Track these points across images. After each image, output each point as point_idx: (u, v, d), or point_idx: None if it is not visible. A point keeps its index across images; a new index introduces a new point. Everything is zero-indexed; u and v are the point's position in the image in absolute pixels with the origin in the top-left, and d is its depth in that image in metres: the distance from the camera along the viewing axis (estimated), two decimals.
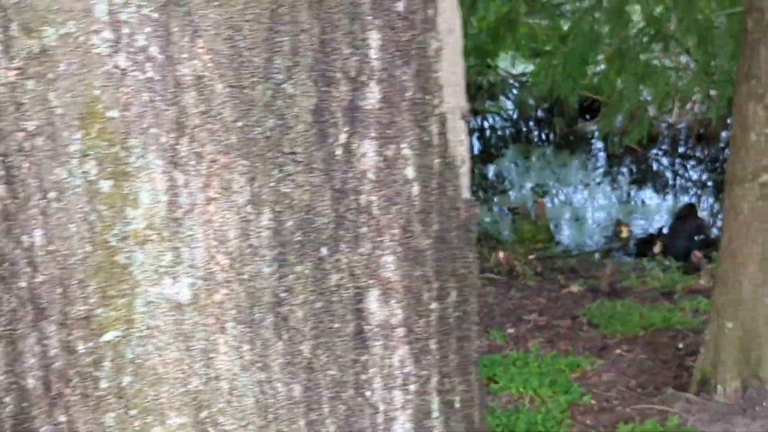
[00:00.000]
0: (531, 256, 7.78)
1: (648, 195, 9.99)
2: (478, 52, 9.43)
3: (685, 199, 9.87)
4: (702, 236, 7.56)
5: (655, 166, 10.72)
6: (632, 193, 10.14)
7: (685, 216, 7.71)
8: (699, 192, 9.83)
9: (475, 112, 12.33)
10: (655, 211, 9.27)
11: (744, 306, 4.31)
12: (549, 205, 9.31)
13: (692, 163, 10.53)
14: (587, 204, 9.25)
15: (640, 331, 5.47)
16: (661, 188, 10.15)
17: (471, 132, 10.68)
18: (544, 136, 10.85)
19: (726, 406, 4.35)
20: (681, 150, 11.00)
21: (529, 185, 9.99)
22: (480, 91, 11.99)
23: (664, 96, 10.39)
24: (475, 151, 11.54)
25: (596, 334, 5.54)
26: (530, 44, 9.48)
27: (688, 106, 11.10)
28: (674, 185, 10.19)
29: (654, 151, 10.97)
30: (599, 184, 9.89)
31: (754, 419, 4.22)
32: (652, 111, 10.66)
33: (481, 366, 4.95)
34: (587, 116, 10.75)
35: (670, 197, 9.99)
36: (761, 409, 4.30)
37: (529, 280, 6.74)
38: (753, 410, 4.30)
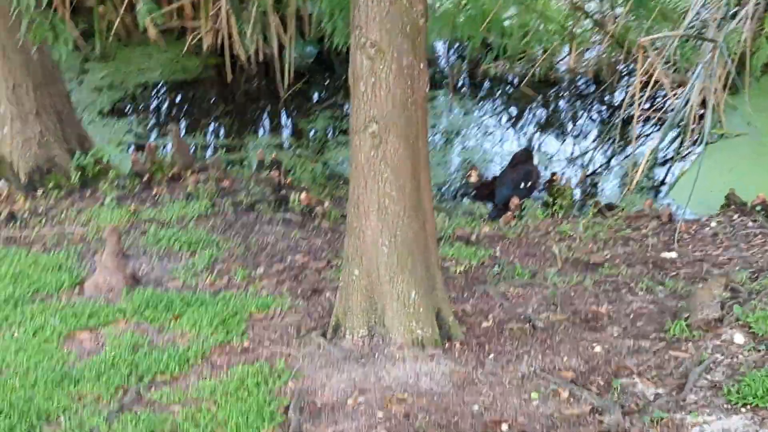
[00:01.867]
0: None
1: (547, 139, 9.81)
2: None
3: (584, 144, 9.70)
4: (529, 183, 7.46)
5: (555, 111, 10.48)
6: (535, 136, 9.96)
7: (518, 162, 7.59)
8: (600, 135, 9.63)
9: None
10: (555, 156, 9.14)
11: (367, 254, 4.35)
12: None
13: (595, 106, 10.26)
14: (473, 148, 9.18)
15: None
16: (561, 132, 9.95)
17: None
18: (445, 81, 10.70)
19: (348, 352, 4.42)
20: (580, 93, 10.73)
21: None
22: None
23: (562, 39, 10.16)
24: None
25: (337, 276, 5.60)
26: None
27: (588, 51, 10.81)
28: (573, 129, 9.98)
29: (553, 94, 10.72)
30: (492, 129, 9.78)
31: (364, 366, 4.28)
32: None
33: (179, 305, 5.04)
34: (495, 59, 10.54)
35: (569, 141, 9.80)
36: (381, 356, 4.35)
37: (326, 222, 6.77)
38: (373, 357, 4.35)
